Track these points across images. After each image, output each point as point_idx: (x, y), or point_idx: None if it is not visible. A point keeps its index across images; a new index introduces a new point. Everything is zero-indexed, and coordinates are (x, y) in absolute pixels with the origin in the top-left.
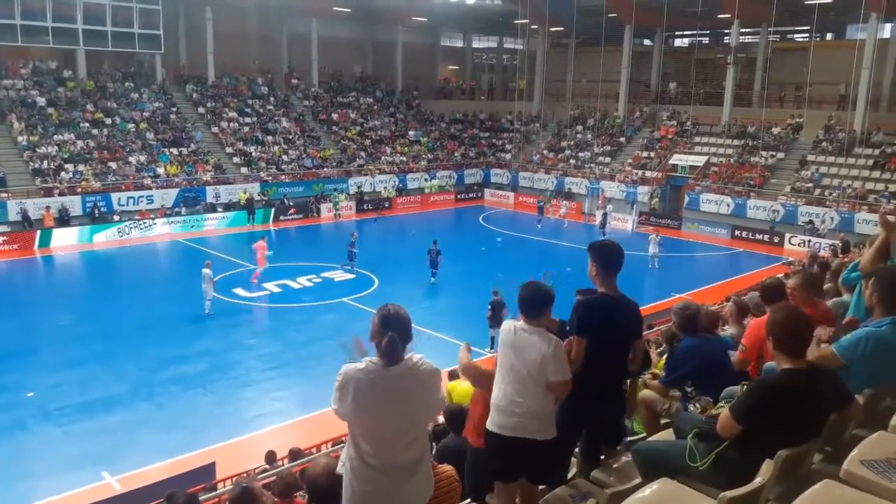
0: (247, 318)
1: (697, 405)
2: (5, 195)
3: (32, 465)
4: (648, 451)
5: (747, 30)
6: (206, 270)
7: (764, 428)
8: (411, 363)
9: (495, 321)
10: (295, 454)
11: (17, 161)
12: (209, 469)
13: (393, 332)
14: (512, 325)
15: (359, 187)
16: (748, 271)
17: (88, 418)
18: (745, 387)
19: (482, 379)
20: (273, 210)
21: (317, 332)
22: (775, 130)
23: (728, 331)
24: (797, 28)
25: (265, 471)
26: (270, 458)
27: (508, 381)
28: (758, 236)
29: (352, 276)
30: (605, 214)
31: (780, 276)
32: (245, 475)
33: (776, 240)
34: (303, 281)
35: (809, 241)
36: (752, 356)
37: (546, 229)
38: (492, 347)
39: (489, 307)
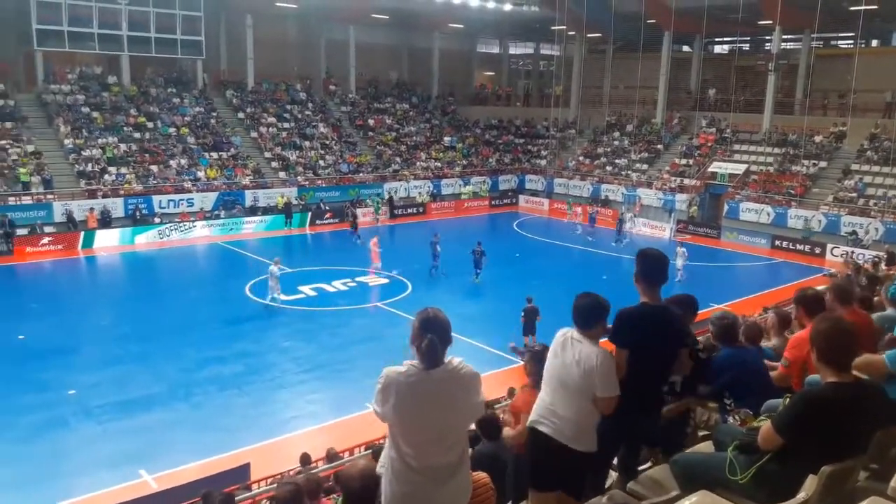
0: (283, 321)
1: (737, 417)
2: (51, 196)
3: (73, 461)
4: (687, 462)
5: (789, 36)
6: (273, 268)
7: (807, 442)
8: (451, 366)
9: (529, 328)
10: (332, 456)
11: (63, 164)
12: (244, 469)
13: (433, 335)
14: (565, 334)
15: (393, 192)
16: (788, 282)
17: (127, 417)
18: (787, 399)
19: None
20: (310, 214)
21: (351, 336)
22: (817, 139)
23: (770, 342)
24: (841, 34)
25: (298, 473)
26: (305, 460)
27: (553, 389)
28: (799, 246)
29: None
30: (620, 221)
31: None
32: (280, 476)
33: (817, 250)
34: (338, 284)
35: (853, 251)
36: (795, 371)
37: (580, 237)
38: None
39: (522, 314)
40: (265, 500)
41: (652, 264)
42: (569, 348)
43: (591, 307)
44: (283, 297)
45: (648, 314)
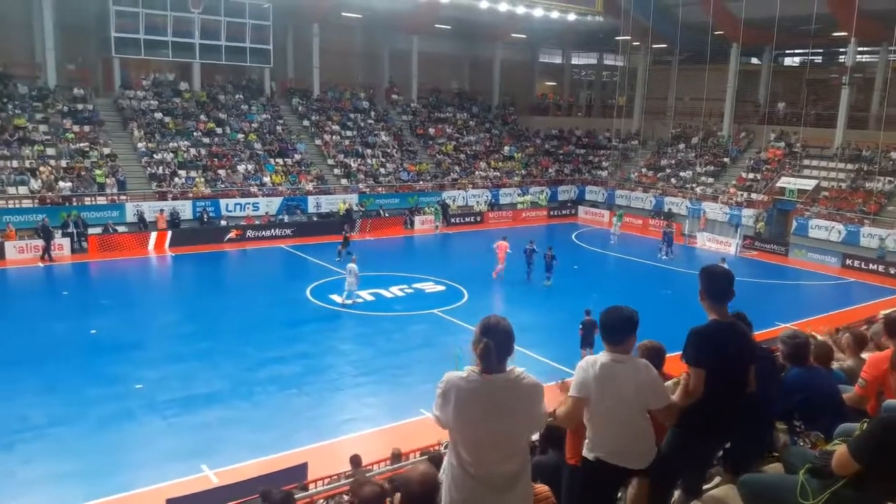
0: (341, 324)
1: (808, 440)
2: (124, 198)
3: (139, 454)
4: (756, 484)
5: (865, 48)
6: (352, 265)
7: (886, 469)
8: (513, 375)
9: (587, 342)
10: (396, 457)
11: (136, 166)
12: (302, 469)
13: (490, 340)
14: (594, 360)
15: (449, 201)
16: (860, 303)
17: (191, 412)
18: (865, 424)
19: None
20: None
21: (407, 342)
22: (894, 155)
23: (845, 363)
24: None
25: (350, 475)
26: (356, 462)
27: (603, 422)
28: (872, 266)
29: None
30: (668, 234)
31: None
32: (336, 477)
33: (893, 271)
34: (395, 290)
35: None
36: (871, 392)
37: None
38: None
39: (581, 327)
40: (322, 501)
41: (715, 281)
42: (605, 373)
43: (624, 320)
44: (358, 294)
45: (720, 331)
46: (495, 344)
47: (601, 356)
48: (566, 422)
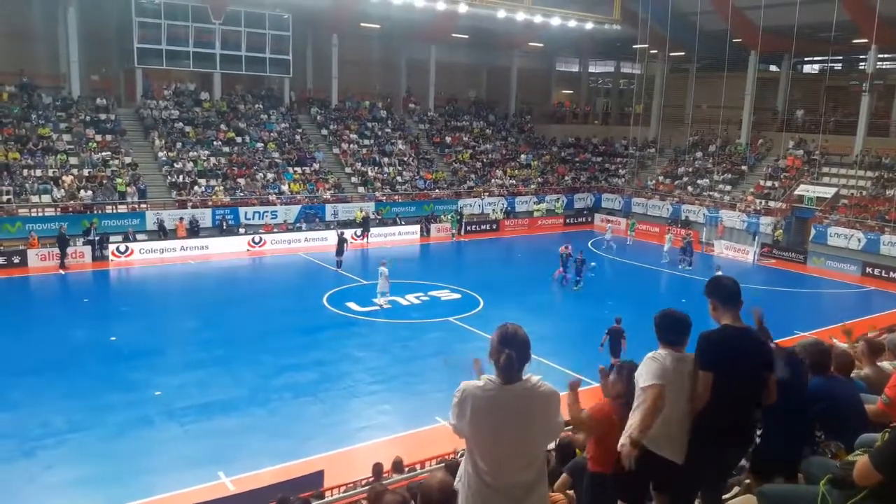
0: (357, 332)
1: (829, 450)
2: (145, 206)
3: (156, 460)
4: (776, 494)
5: (886, 55)
6: (382, 268)
7: None
8: (530, 384)
9: (615, 350)
10: (397, 465)
11: (157, 175)
12: (318, 477)
13: (511, 350)
14: (664, 353)
15: (464, 209)
16: (880, 311)
17: (208, 419)
18: (887, 434)
19: (594, 429)
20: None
21: (422, 349)
22: None
23: (861, 372)
24: None
25: (370, 483)
26: (377, 470)
27: (670, 414)
28: (893, 275)
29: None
30: (688, 242)
31: None
32: (352, 485)
33: None
34: (411, 298)
35: None
36: (895, 410)
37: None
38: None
39: (606, 334)
40: None
41: (724, 287)
42: (678, 369)
43: (677, 322)
44: (387, 298)
45: (731, 337)
46: (516, 354)
47: (673, 353)
48: (652, 415)
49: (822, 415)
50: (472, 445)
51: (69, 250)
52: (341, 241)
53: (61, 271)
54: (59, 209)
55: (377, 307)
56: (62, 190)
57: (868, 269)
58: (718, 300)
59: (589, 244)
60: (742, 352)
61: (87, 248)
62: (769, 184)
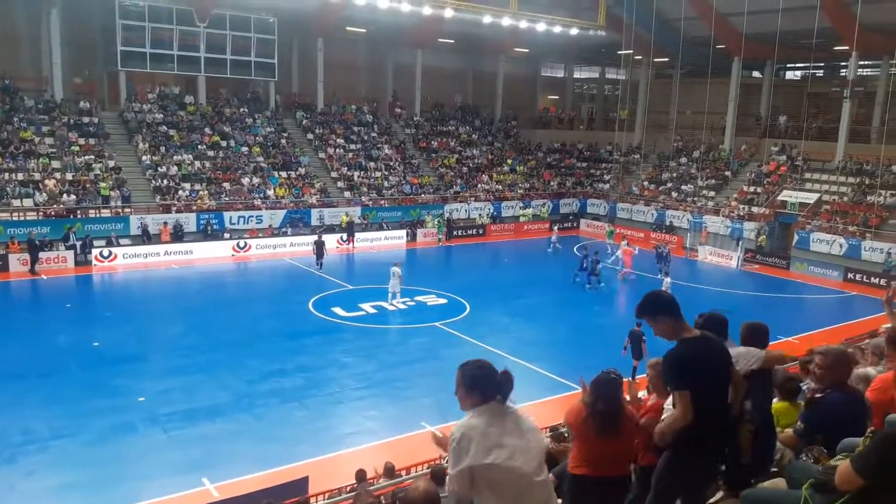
0: (343, 337)
1: (811, 455)
2: (129, 210)
3: (140, 467)
4: (758, 499)
5: (866, 62)
6: (395, 269)
7: (890, 484)
8: (514, 407)
9: (637, 354)
10: (390, 471)
11: (141, 179)
12: (303, 483)
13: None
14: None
15: (451, 213)
16: (862, 317)
17: (192, 425)
18: (868, 439)
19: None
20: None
21: (408, 355)
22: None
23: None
24: None
25: (354, 489)
26: (361, 476)
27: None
28: (874, 280)
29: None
30: (664, 253)
31: None
32: (336, 492)
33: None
34: (397, 303)
35: None
36: (876, 415)
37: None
38: (633, 379)
39: (628, 339)
40: None
41: (664, 301)
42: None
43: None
44: (399, 300)
45: (697, 346)
46: (507, 390)
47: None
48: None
49: (832, 428)
50: (480, 483)
51: (52, 255)
52: (319, 244)
53: (31, 276)
54: (40, 213)
55: (363, 312)
56: (44, 194)
57: (850, 275)
58: (673, 314)
59: (575, 249)
60: (712, 360)
61: (70, 253)
62: (752, 189)
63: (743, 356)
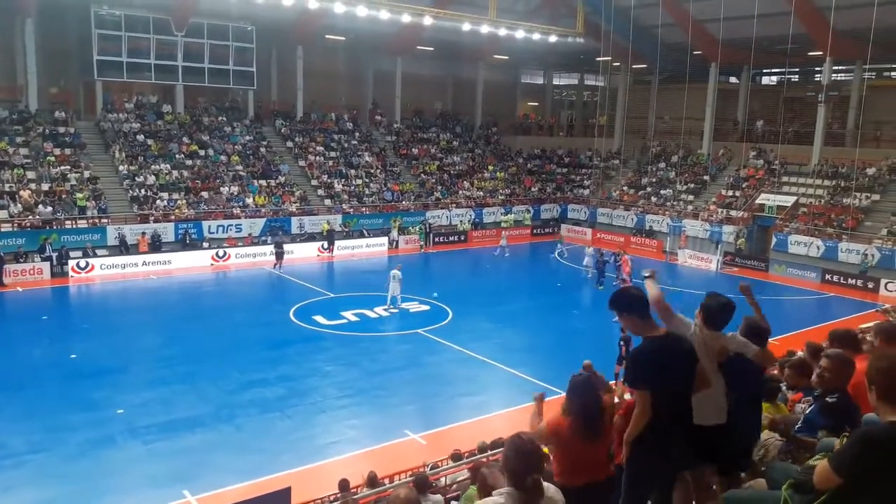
0: (325, 346)
1: (791, 455)
2: (106, 221)
3: (119, 480)
4: (739, 500)
5: (840, 67)
6: (395, 272)
7: (866, 483)
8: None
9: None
10: (372, 480)
11: (118, 189)
12: (285, 494)
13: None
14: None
15: (432, 220)
16: (840, 317)
17: (172, 437)
18: (845, 438)
19: (550, 441)
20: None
21: (391, 362)
22: (870, 171)
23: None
24: (894, 65)
25: (336, 499)
26: (344, 486)
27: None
28: (850, 281)
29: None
30: (602, 262)
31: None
32: (319, 501)
33: (871, 285)
34: (379, 311)
35: None
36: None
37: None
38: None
39: (622, 342)
40: None
41: (626, 301)
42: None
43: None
44: (399, 304)
45: (663, 345)
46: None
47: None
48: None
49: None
50: None
51: (27, 267)
52: (279, 246)
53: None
54: (15, 225)
55: (345, 320)
56: (19, 205)
57: (827, 276)
58: (641, 313)
59: (556, 254)
60: (675, 360)
61: (46, 265)
62: (731, 193)
63: (742, 345)
